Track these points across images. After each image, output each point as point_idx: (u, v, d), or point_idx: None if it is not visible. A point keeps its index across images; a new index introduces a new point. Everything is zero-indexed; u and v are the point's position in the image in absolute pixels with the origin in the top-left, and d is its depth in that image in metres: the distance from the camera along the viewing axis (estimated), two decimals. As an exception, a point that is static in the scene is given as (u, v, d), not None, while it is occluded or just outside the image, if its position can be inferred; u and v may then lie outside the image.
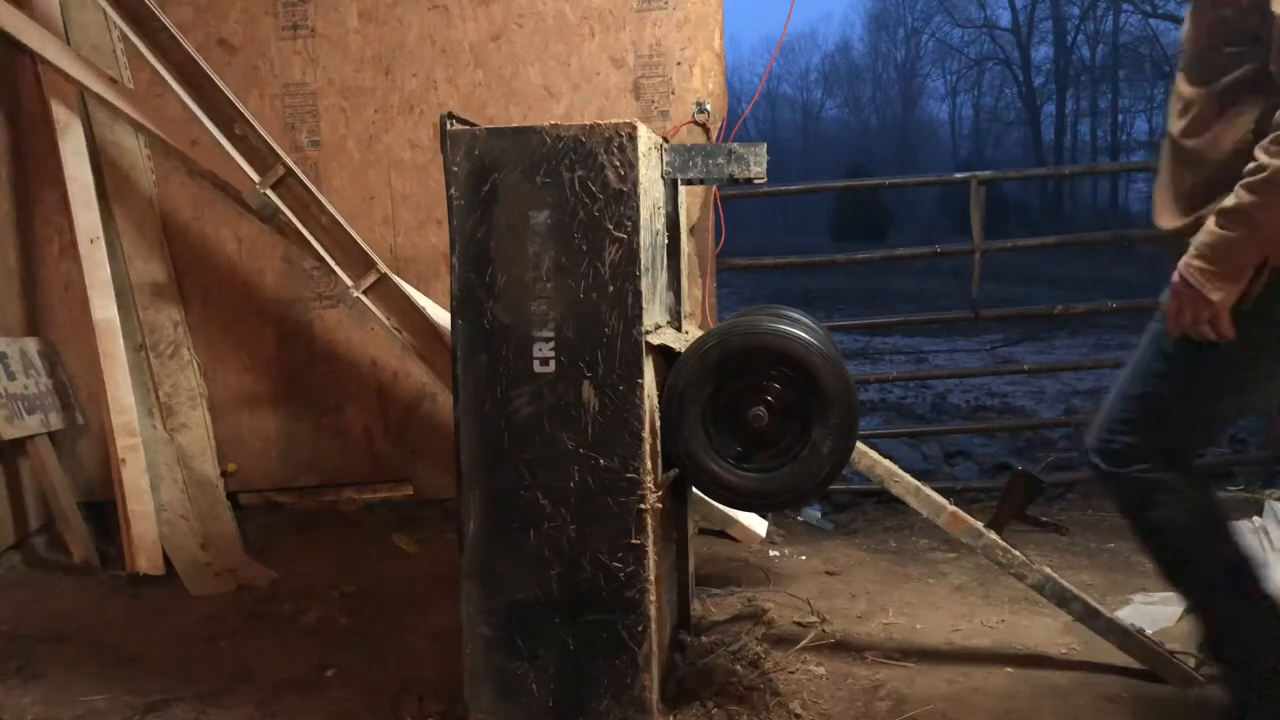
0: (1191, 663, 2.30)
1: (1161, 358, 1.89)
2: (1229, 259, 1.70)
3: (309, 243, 3.10)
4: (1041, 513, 3.63)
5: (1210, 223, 1.70)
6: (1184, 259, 1.75)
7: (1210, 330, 1.76)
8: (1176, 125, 1.85)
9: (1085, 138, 37.40)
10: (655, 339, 2.02)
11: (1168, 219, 1.87)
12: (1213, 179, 1.76)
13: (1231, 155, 1.73)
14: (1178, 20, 23.91)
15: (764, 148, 2.18)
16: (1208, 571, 1.93)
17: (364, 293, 3.06)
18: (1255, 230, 1.66)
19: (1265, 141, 1.63)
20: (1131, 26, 33.54)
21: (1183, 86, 1.84)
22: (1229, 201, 1.67)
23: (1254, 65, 1.70)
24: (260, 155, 3.09)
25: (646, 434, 1.94)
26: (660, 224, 2.17)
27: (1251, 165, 1.64)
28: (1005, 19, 37.96)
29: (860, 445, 2.19)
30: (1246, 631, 1.92)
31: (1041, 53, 37.24)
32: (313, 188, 3.13)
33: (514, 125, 2.03)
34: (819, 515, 3.87)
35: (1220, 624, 1.96)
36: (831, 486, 2.99)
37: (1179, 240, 1.82)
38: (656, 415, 2.03)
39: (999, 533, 2.41)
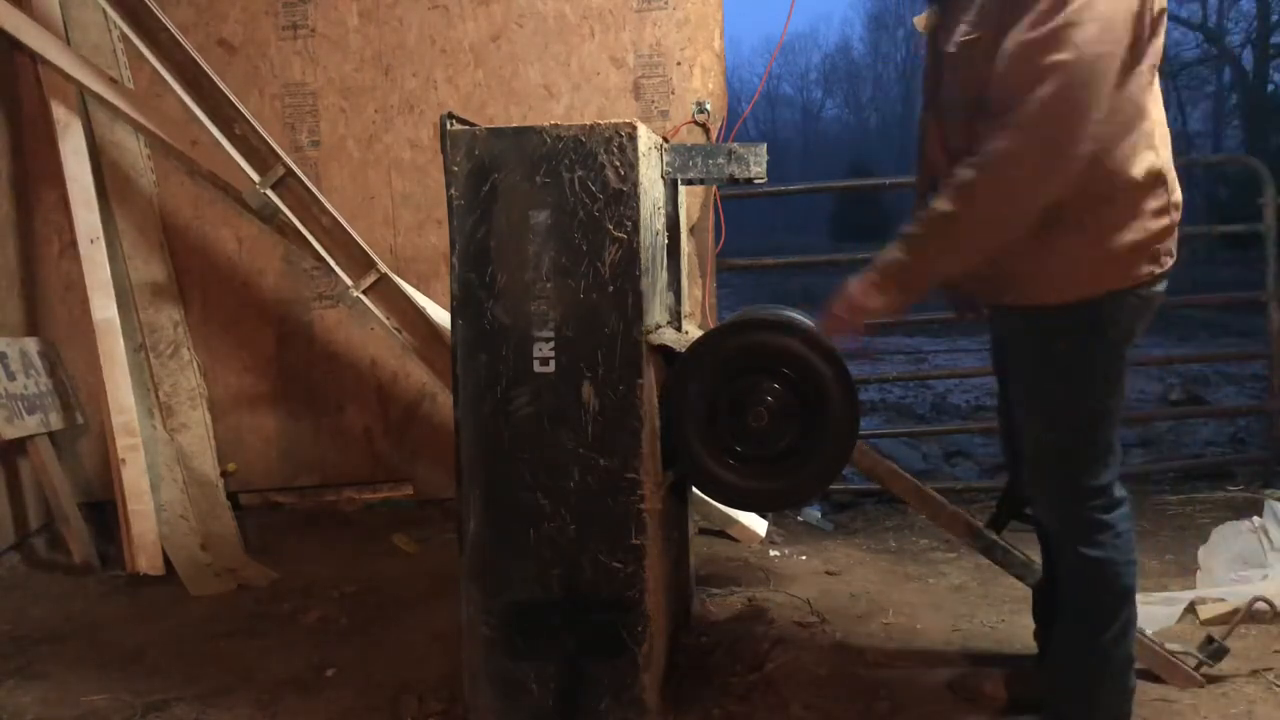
0: (1191, 663, 2.31)
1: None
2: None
3: (309, 243, 3.10)
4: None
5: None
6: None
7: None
8: None
9: (1085, 137, 37.25)
10: (655, 339, 2.02)
11: None
12: None
13: None
14: (1178, 20, 23.89)
15: (764, 148, 2.18)
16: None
17: (364, 293, 3.06)
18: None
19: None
20: (1131, 26, 33.47)
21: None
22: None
23: None
24: (260, 155, 3.09)
25: (646, 434, 1.94)
26: (660, 224, 2.17)
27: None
28: (1005, 19, 37.83)
29: (860, 445, 2.19)
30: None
31: (1041, 52, 37.10)
32: (313, 188, 3.13)
33: (514, 125, 2.03)
34: (819, 515, 3.87)
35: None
36: (831, 486, 2.99)
37: None
38: (656, 415, 2.03)
39: (999, 533, 2.41)
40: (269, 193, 3.07)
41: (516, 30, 3.68)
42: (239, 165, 3.09)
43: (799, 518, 3.79)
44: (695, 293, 3.61)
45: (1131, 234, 1.77)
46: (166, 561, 3.24)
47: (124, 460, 3.27)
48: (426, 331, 3.08)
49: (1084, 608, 1.96)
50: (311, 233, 3.09)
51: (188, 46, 3.10)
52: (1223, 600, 2.68)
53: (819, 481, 2.09)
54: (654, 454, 2.00)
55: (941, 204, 1.73)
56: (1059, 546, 1.98)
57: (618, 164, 1.89)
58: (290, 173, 3.10)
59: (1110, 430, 1.90)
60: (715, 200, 3.74)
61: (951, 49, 1.83)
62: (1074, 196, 1.73)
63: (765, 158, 2.17)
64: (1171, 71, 23.57)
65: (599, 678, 1.98)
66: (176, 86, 3.09)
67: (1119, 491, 1.93)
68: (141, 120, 3.39)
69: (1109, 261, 1.79)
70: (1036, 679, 2.19)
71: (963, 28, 1.79)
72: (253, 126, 3.10)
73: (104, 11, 3.28)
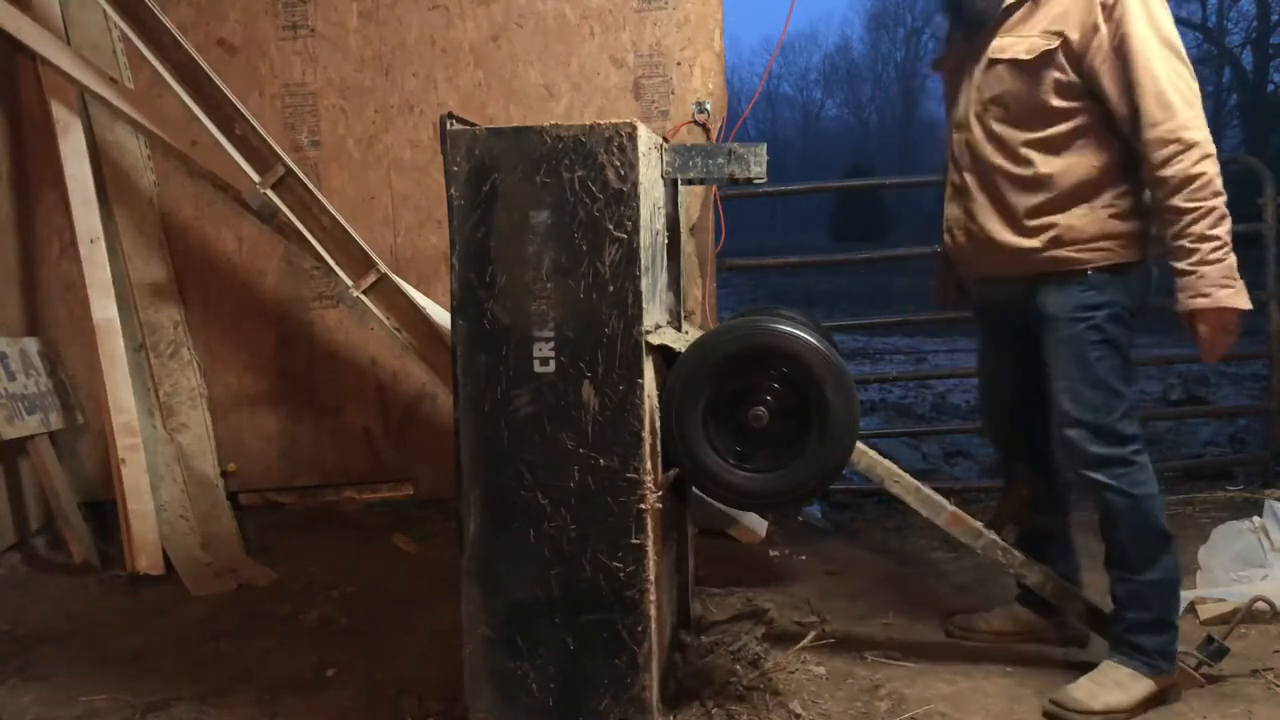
0: (1191, 662, 2.31)
1: (1099, 349, 2.18)
2: (1236, 272, 2.04)
3: (309, 243, 3.10)
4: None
5: (1210, 255, 2.03)
6: (1201, 297, 2.04)
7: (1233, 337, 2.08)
8: (1001, 160, 2.23)
9: (1085, 137, 37.28)
10: (655, 339, 2.02)
11: (1011, 237, 2.24)
12: (1057, 203, 2.18)
13: (1084, 185, 2.16)
14: (1178, 20, 23.86)
15: (764, 148, 2.17)
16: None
17: (364, 293, 3.06)
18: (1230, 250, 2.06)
19: (1194, 189, 2.02)
20: (1131, 26, 33.44)
21: (1003, 130, 2.22)
22: (1212, 240, 2.03)
23: (1088, 118, 2.14)
24: (260, 155, 3.09)
25: (646, 434, 1.94)
26: (660, 224, 2.17)
27: (1195, 207, 2.02)
28: (1005, 19, 37.80)
29: (860, 445, 2.18)
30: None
31: (1042, 52, 37.09)
32: (313, 188, 3.13)
33: (514, 125, 2.02)
34: (819, 515, 3.87)
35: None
36: (831, 486, 2.99)
37: (1021, 253, 2.22)
38: (656, 415, 2.03)
39: (999, 533, 2.41)
40: (269, 193, 3.07)
41: (516, 30, 3.68)
42: (239, 165, 3.09)
43: (799, 518, 3.79)
44: (695, 293, 3.61)
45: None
46: (166, 561, 3.24)
47: (124, 460, 3.27)
48: (426, 331, 3.08)
49: (1121, 543, 2.22)
50: (311, 233, 3.09)
51: (188, 46, 3.10)
52: (1223, 600, 2.68)
53: (819, 482, 2.09)
54: (654, 454, 2.00)
55: (1199, 201, 2.02)
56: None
57: (618, 164, 1.89)
58: (290, 173, 3.10)
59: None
60: (715, 200, 3.74)
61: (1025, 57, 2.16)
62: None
63: (765, 158, 2.17)
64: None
65: (599, 678, 1.98)
66: (176, 86, 3.09)
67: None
68: (141, 120, 3.38)
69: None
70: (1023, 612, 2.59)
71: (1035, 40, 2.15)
72: (253, 126, 3.10)
73: (104, 11, 3.28)
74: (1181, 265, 2.06)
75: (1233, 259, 2.04)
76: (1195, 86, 2.07)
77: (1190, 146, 2.01)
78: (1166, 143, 2.02)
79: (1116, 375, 2.19)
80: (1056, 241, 2.18)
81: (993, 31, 2.22)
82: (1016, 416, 2.51)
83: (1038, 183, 2.19)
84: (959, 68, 2.33)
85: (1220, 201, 2.03)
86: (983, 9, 2.22)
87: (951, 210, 2.36)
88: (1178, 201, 2.03)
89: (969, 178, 2.30)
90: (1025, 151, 2.19)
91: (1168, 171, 2.03)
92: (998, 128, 2.23)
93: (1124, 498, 2.17)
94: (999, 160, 2.23)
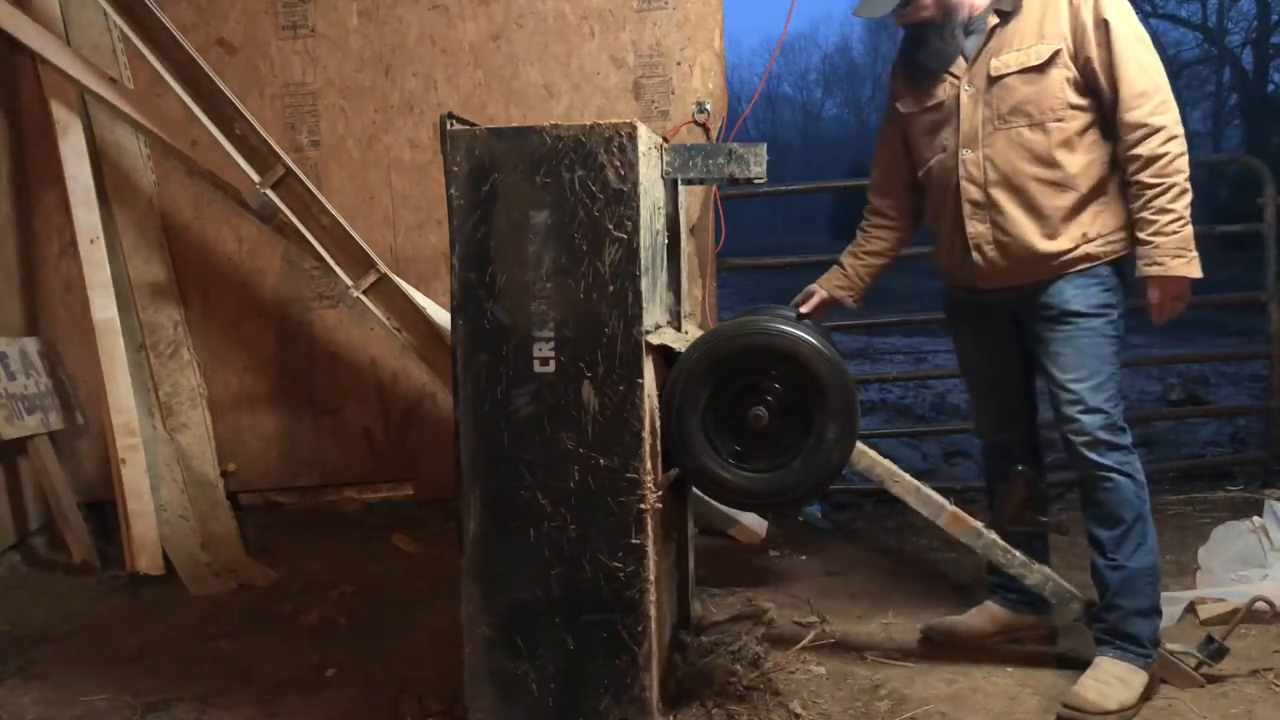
0: (1191, 662, 2.31)
1: (1114, 344, 2.30)
2: (1192, 244, 2.19)
3: (309, 243, 3.10)
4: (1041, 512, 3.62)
5: (1167, 227, 2.17)
6: (1154, 265, 2.19)
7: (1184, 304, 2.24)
8: (1033, 167, 2.27)
9: (1085, 137, 37.29)
10: (655, 339, 2.02)
11: (1047, 243, 2.28)
12: (1082, 201, 2.27)
13: (1099, 181, 2.26)
14: (1178, 20, 23.90)
15: (764, 148, 2.17)
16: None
17: (364, 293, 3.06)
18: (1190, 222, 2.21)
19: (1159, 165, 2.17)
20: (1131, 26, 33.49)
21: (1033, 136, 2.27)
22: (1170, 213, 2.17)
23: (1093, 115, 2.25)
24: (260, 155, 3.09)
25: (646, 434, 1.94)
26: (660, 224, 2.17)
27: (1158, 183, 2.17)
28: (1005, 19, 37.79)
29: (860, 445, 2.19)
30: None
31: (1042, 53, 37.11)
32: (313, 188, 3.14)
33: (514, 125, 2.02)
34: (819, 515, 3.87)
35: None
36: (831, 486, 2.99)
37: (1052, 257, 2.27)
38: (656, 415, 2.03)
39: (998, 532, 2.41)
40: (269, 193, 3.07)
41: (516, 30, 3.68)
42: (239, 165, 3.09)
43: (799, 518, 3.79)
44: (695, 293, 3.61)
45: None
46: (166, 561, 3.24)
47: (124, 460, 3.27)
48: (426, 331, 3.08)
49: (1124, 525, 2.27)
50: (311, 233, 3.09)
51: (188, 46, 3.10)
52: (1223, 600, 2.68)
53: (819, 482, 2.09)
54: (654, 454, 2.00)
55: (1162, 177, 2.16)
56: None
57: (618, 164, 1.89)
58: (290, 173, 3.10)
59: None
60: (715, 200, 3.74)
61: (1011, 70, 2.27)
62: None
63: (765, 158, 2.17)
64: (1172, 71, 23.58)
65: (599, 677, 1.98)
66: (176, 86, 3.09)
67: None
68: (141, 120, 3.38)
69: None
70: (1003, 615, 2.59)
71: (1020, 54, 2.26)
72: (253, 126, 3.10)
73: (104, 11, 3.28)
74: (1142, 235, 2.21)
75: (1188, 231, 2.18)
76: (1162, 69, 2.22)
77: (1158, 130, 2.17)
78: (1139, 126, 2.18)
79: (1119, 372, 2.32)
80: (1084, 239, 2.27)
81: (978, 56, 2.32)
82: (1018, 414, 2.53)
83: (1068, 183, 2.26)
84: (934, 105, 2.41)
85: (1182, 179, 2.17)
86: (938, 65, 2.37)
87: (974, 228, 2.35)
88: (1144, 177, 2.19)
89: (996, 193, 2.31)
90: (1055, 154, 2.26)
91: (1138, 150, 2.19)
92: (1028, 134, 2.27)
93: (1132, 481, 2.27)
94: (1031, 167, 2.28)
